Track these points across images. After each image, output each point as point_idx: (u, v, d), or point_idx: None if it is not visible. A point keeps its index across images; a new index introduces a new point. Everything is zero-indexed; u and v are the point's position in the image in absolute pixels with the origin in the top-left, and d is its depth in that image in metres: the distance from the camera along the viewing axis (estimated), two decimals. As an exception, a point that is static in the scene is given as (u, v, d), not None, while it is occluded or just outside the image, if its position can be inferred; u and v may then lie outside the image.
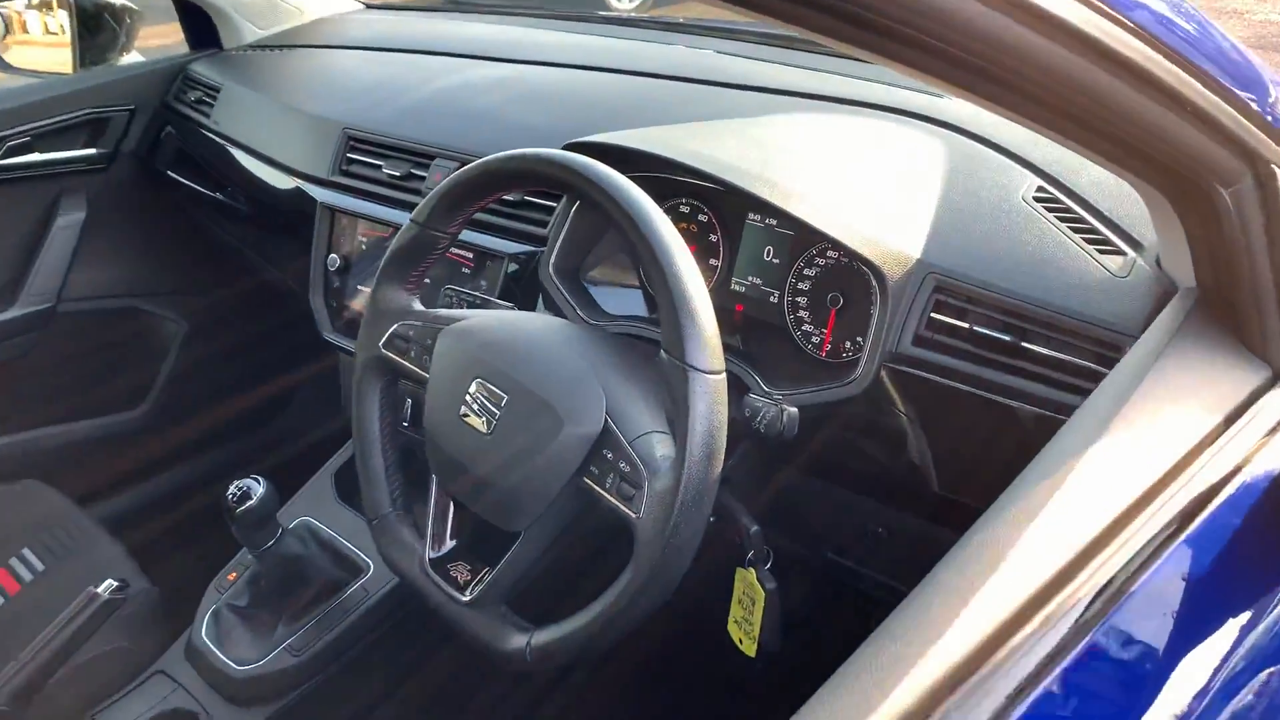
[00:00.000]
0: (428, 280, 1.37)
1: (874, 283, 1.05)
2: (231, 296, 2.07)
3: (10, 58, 1.93)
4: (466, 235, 1.36)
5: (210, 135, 1.81)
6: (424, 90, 1.59)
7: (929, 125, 1.24)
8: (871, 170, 1.18)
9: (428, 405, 1.05)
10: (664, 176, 1.23)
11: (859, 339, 1.14)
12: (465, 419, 0.99)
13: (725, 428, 0.88)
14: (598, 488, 0.92)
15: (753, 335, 1.22)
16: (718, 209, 1.27)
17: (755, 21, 1.63)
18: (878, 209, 1.10)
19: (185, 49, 2.04)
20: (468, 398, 0.99)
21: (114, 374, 2.02)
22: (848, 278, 1.15)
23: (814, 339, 1.18)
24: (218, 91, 1.84)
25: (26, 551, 1.58)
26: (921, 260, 1.04)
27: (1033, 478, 0.73)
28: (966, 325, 1.02)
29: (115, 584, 1.31)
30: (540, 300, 1.32)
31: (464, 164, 1.41)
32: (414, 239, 1.08)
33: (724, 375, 0.88)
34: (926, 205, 1.10)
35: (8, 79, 1.90)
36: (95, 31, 1.95)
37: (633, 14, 1.81)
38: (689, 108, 1.43)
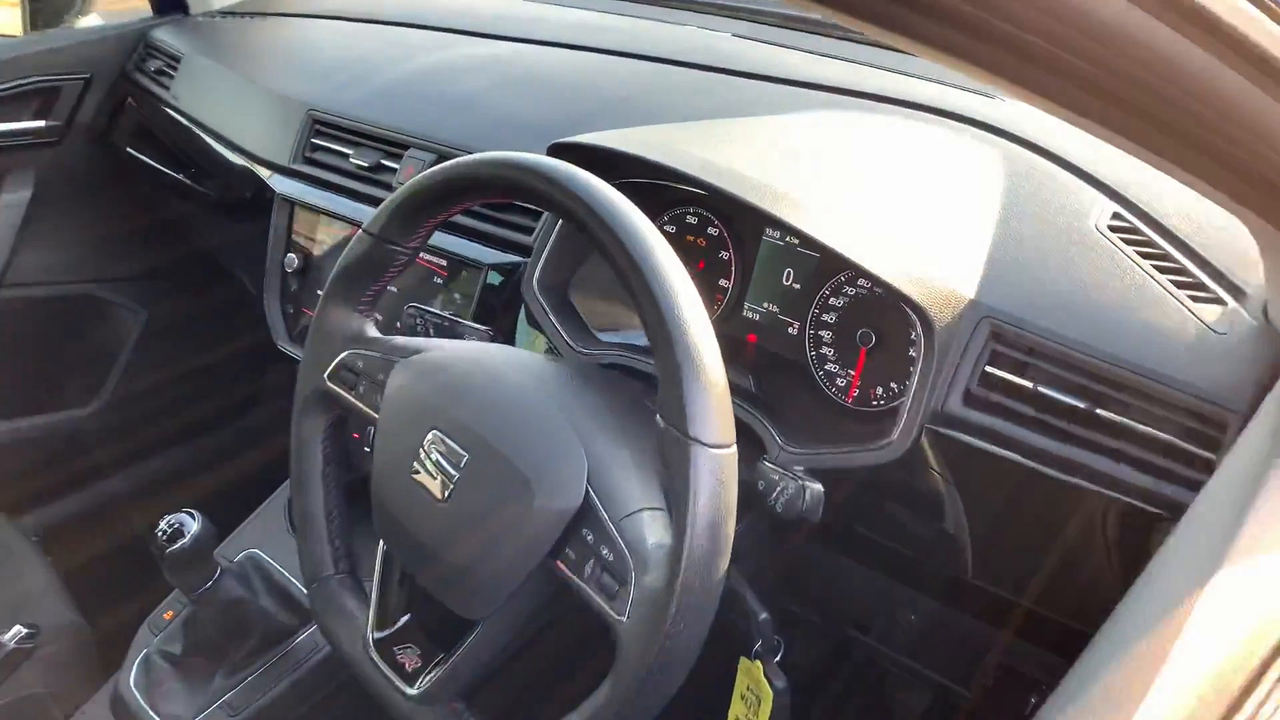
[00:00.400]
0: (393, 289, 1.21)
1: (916, 326, 0.87)
2: (196, 285, 1.89)
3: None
4: (441, 241, 1.19)
5: (169, 110, 1.63)
6: (401, 69, 1.41)
7: (984, 134, 1.05)
8: (915, 186, 1.00)
9: (375, 454, 0.88)
10: (667, 183, 1.05)
11: (893, 385, 0.96)
12: (417, 478, 0.82)
13: (734, 513, 0.71)
14: (574, 576, 0.75)
15: (767, 373, 1.04)
16: (729, 221, 1.09)
17: (781, 3, 1.44)
18: (922, 235, 0.92)
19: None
20: (421, 453, 0.82)
21: (64, 366, 1.85)
22: (882, 312, 0.97)
23: (839, 381, 1.00)
24: (178, 62, 1.66)
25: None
26: (975, 301, 0.86)
27: (1139, 620, 0.55)
28: (1029, 384, 0.84)
29: (23, 631, 1.14)
30: (521, 319, 1.15)
31: (441, 157, 1.25)
32: (367, 252, 0.91)
33: (734, 450, 0.71)
34: (982, 232, 0.92)
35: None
36: (48, -9, 1.77)
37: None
38: (700, 100, 1.25)
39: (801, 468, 0.86)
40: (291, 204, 1.34)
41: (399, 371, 0.88)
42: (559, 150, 0.99)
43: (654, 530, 0.73)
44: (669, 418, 0.70)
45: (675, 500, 0.70)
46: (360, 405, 0.91)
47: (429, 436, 0.82)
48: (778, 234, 1.05)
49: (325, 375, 0.94)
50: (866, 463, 0.87)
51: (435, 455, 0.81)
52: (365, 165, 1.29)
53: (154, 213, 1.84)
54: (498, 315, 1.15)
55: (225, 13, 1.79)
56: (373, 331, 0.94)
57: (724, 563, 0.70)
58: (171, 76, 1.65)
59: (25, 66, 1.68)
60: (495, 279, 1.17)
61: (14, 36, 1.73)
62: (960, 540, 0.95)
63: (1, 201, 1.70)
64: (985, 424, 0.85)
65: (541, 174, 0.78)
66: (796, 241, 1.03)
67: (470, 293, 1.17)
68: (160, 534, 1.13)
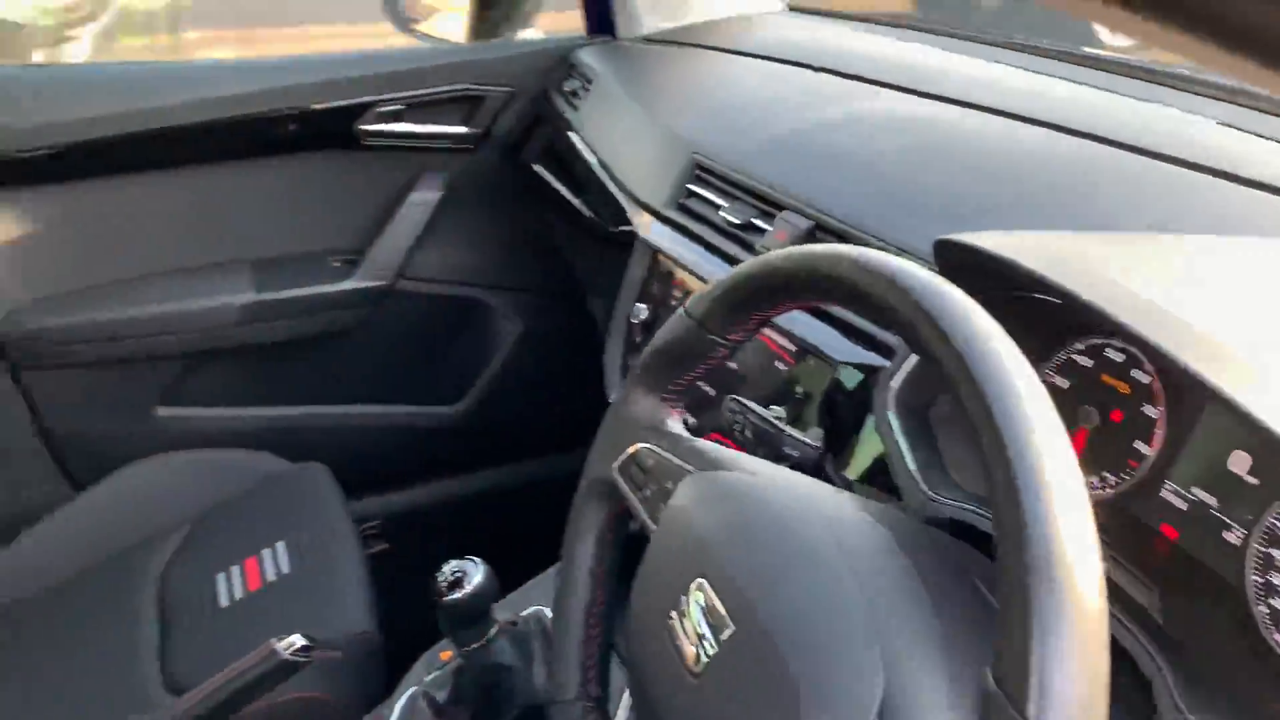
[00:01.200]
0: (732, 364, 1.06)
1: None
2: (570, 311, 1.87)
3: (415, 24, 1.85)
4: (792, 320, 1.01)
5: (571, 133, 1.60)
6: (801, 118, 1.25)
7: None
8: None
9: (639, 578, 0.73)
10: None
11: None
12: (671, 625, 0.65)
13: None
14: None
15: (1179, 584, 0.76)
16: (1164, 367, 0.81)
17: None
18: None
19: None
20: (683, 599, 0.65)
21: (438, 363, 1.91)
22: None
23: (1290, 629, 0.70)
24: (592, 84, 1.62)
25: (281, 546, 1.47)
26: None
27: None
28: None
29: (300, 643, 1.12)
30: (864, 429, 0.94)
31: (818, 225, 1.07)
32: (684, 336, 0.76)
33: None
34: None
35: (394, 41, 1.83)
36: (494, 4, 1.82)
37: (1117, 54, 1.34)
38: (1159, 202, 0.97)
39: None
40: (653, 251, 1.24)
41: (688, 486, 0.72)
42: (946, 248, 0.78)
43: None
44: (1004, 680, 0.48)
45: None
46: (641, 511, 0.76)
47: (696, 582, 0.65)
48: (1234, 402, 0.76)
49: (615, 465, 0.80)
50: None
51: (696, 610, 0.64)
52: (736, 221, 1.15)
53: (548, 231, 1.84)
54: (841, 425, 0.95)
55: (650, 39, 1.74)
56: (675, 426, 0.79)
57: None
58: (582, 99, 1.62)
59: (458, 74, 1.74)
60: (849, 380, 0.97)
61: (456, 44, 1.79)
62: None
63: (413, 199, 1.77)
64: None
65: (895, 284, 0.58)
66: (1261, 419, 0.74)
67: (814, 390, 0.98)
68: (441, 580, 1.06)
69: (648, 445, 0.78)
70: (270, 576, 1.43)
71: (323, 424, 1.81)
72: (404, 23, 1.81)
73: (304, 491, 1.58)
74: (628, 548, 0.82)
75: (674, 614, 0.66)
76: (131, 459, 1.63)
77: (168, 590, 1.45)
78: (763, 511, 0.66)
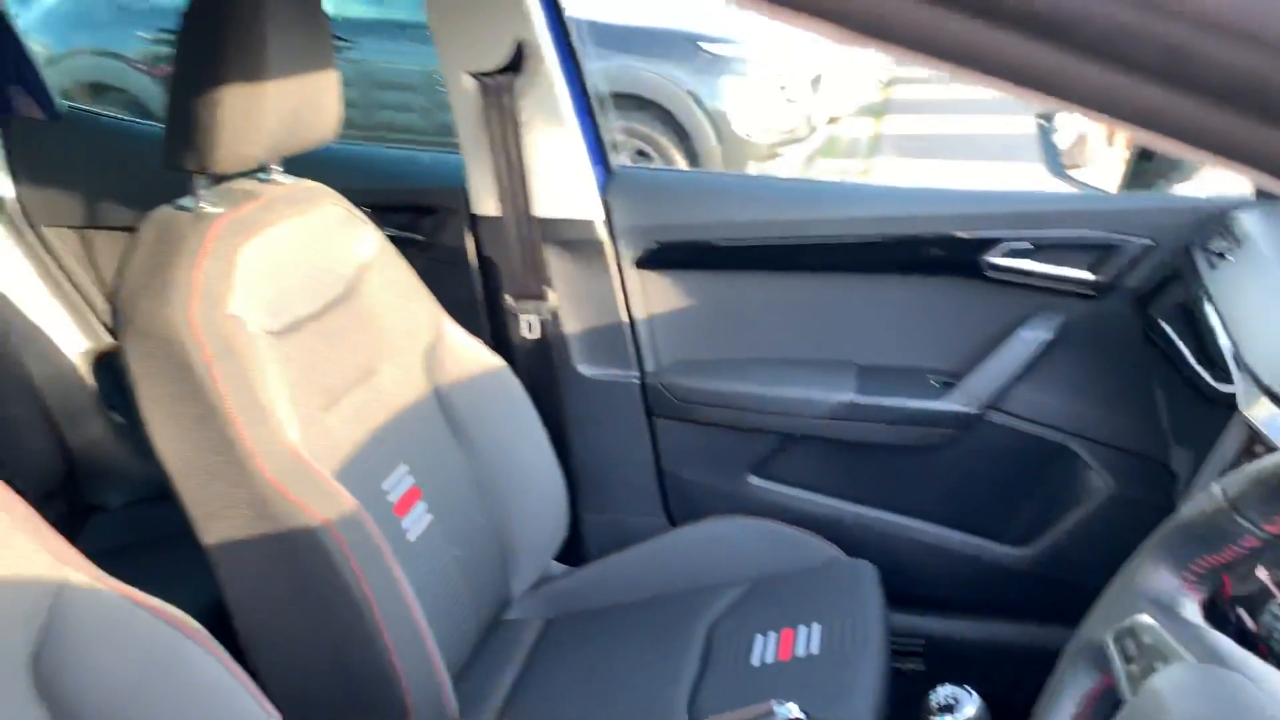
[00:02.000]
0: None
1: None
2: (1166, 474, 1.72)
3: (1070, 169, 1.87)
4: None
5: (1203, 296, 1.49)
6: None
7: None
8: None
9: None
10: None
11: None
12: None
13: None
14: None
15: None
16: None
17: None
18: None
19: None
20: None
21: (1012, 502, 1.88)
22: None
23: None
24: (1241, 246, 1.50)
25: (817, 628, 1.57)
26: None
27: None
28: None
29: (800, 714, 1.20)
30: None
31: None
32: (1212, 515, 0.71)
33: None
34: None
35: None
36: (1155, 155, 1.77)
37: None
38: None
39: None
40: (1251, 432, 1.12)
41: (1176, 672, 0.67)
42: None
43: None
44: None
45: None
46: (1123, 683, 0.72)
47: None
48: None
49: (1111, 631, 0.77)
50: None
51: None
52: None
53: (1155, 390, 1.73)
54: None
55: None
56: (1188, 609, 0.74)
57: None
58: (1226, 260, 1.51)
59: (1095, 220, 1.73)
60: None
61: (1100, 191, 1.78)
62: None
63: (1023, 335, 1.78)
64: None
65: None
66: None
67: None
68: (933, 700, 1.07)
69: (1149, 621, 0.74)
70: (799, 652, 1.53)
71: (885, 529, 1.89)
72: (1059, 168, 1.83)
73: (852, 585, 1.67)
74: None
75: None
76: (718, 512, 1.86)
77: (715, 635, 1.62)
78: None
